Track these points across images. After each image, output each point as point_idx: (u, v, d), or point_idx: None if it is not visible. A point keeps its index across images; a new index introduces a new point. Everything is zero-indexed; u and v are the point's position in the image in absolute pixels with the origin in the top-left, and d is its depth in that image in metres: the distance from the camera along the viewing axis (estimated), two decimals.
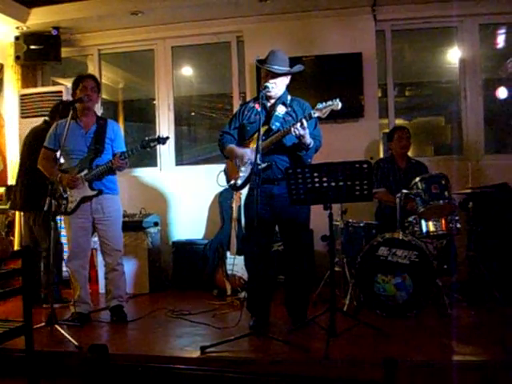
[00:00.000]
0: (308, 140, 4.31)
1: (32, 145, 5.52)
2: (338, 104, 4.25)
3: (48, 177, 4.88)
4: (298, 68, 4.58)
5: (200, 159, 7.83)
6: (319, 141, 4.53)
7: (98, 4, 6.73)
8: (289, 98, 4.63)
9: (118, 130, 5.18)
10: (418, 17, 6.74)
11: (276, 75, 4.48)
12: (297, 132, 4.22)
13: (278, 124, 4.49)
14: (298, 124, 4.21)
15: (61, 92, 6.84)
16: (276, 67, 4.45)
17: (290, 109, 4.57)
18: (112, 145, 5.01)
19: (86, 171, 4.87)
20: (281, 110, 4.55)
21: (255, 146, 4.31)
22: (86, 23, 7.07)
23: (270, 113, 4.57)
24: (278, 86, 4.52)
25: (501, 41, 7.00)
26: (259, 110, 4.43)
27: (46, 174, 4.96)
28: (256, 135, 4.37)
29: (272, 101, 4.60)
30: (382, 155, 6.80)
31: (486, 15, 6.66)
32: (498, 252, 5.67)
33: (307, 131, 4.27)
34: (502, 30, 6.92)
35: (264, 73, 4.55)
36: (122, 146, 5.10)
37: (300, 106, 4.60)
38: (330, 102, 4.26)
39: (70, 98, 5.22)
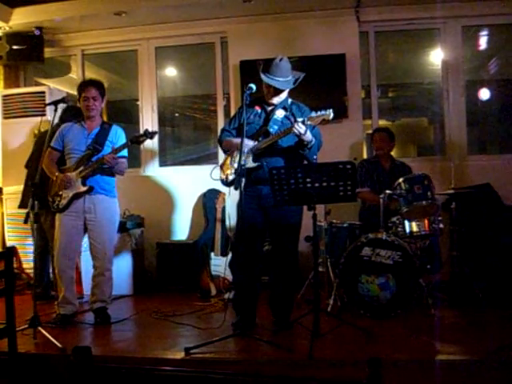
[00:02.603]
0: (309, 137, 4.32)
1: (38, 147, 5.55)
2: (330, 114, 4.21)
3: (49, 175, 4.98)
4: (302, 75, 4.58)
5: (184, 160, 7.81)
6: (320, 140, 4.56)
7: (82, 4, 6.69)
8: (289, 101, 4.66)
9: (121, 134, 5.16)
10: (401, 18, 6.77)
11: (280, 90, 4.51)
12: (298, 129, 4.22)
13: (275, 127, 4.49)
14: (300, 123, 4.22)
15: (44, 92, 6.78)
16: (281, 79, 4.44)
17: (288, 112, 4.58)
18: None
19: (81, 168, 4.88)
20: (280, 113, 4.56)
21: (256, 142, 4.44)
22: (69, 23, 7.04)
23: (268, 115, 4.59)
24: (282, 97, 4.56)
25: (483, 42, 7.06)
26: (259, 111, 4.55)
27: (47, 173, 5.02)
28: (255, 134, 4.48)
29: (273, 105, 4.63)
30: (365, 156, 6.83)
31: (468, 17, 6.71)
32: (481, 252, 5.71)
33: (308, 129, 4.29)
34: (485, 32, 6.98)
35: (266, 83, 4.54)
36: (124, 151, 5.04)
37: (299, 110, 4.60)
38: (323, 112, 4.23)
39: (54, 99, 5.20)
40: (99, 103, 5.06)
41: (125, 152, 5.02)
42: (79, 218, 4.95)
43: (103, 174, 4.98)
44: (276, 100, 4.56)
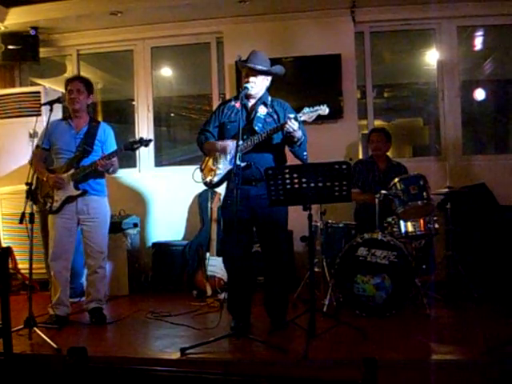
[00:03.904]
0: (299, 134, 4.32)
1: None
2: (325, 110, 4.24)
3: (38, 176, 4.92)
4: (279, 69, 4.58)
5: (179, 160, 7.81)
6: (306, 137, 4.52)
7: (77, 4, 6.67)
8: (269, 98, 4.63)
9: (109, 132, 5.15)
10: (397, 19, 6.78)
11: (256, 74, 4.48)
12: (291, 126, 4.20)
13: (260, 125, 4.48)
14: (293, 119, 4.21)
15: (39, 92, 6.76)
16: (257, 66, 4.45)
17: (271, 109, 4.57)
18: (102, 147, 4.99)
19: (72, 170, 4.85)
20: (262, 110, 4.55)
21: (240, 141, 4.32)
22: (65, 23, 7.03)
23: (250, 113, 4.57)
24: (257, 86, 4.51)
25: (478, 43, 7.07)
26: (240, 108, 4.44)
27: (37, 173, 4.95)
28: (239, 133, 4.39)
29: (252, 101, 4.59)
30: (361, 156, 6.84)
31: (463, 17, 6.72)
32: (476, 252, 5.73)
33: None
34: (480, 33, 6.99)
35: (245, 72, 4.55)
36: (113, 148, 5.04)
37: (281, 106, 4.60)
38: (317, 107, 4.25)
39: (50, 99, 5.18)
40: (84, 97, 5.01)
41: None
42: (72, 220, 4.95)
43: (95, 177, 4.97)
44: (254, 91, 4.51)
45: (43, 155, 5.06)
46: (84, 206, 4.93)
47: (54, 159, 5.03)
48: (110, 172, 5.02)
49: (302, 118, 4.26)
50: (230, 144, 4.43)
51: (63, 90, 5.15)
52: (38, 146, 5.04)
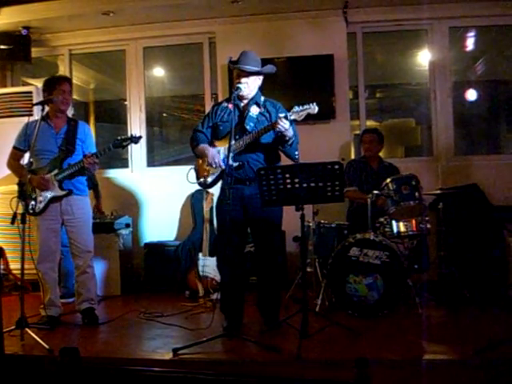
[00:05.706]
0: (291, 133, 4.33)
1: None
2: (314, 108, 4.25)
3: (17, 177, 4.87)
4: (270, 68, 4.58)
5: (172, 160, 7.81)
6: (297, 137, 4.54)
7: (69, 4, 6.65)
8: (262, 98, 4.64)
9: (88, 131, 5.16)
10: (389, 19, 6.80)
11: (247, 75, 4.48)
12: (282, 125, 4.20)
13: (252, 124, 4.49)
14: (283, 118, 4.21)
15: (31, 92, 6.75)
16: (247, 67, 4.46)
17: (263, 109, 4.57)
18: (82, 146, 4.99)
19: (56, 171, 4.83)
20: (254, 110, 4.55)
21: (232, 141, 4.33)
22: (57, 23, 7.00)
23: (243, 113, 4.57)
24: (249, 86, 4.52)
25: (470, 44, 7.09)
26: (232, 109, 4.44)
27: (15, 175, 4.96)
28: (231, 133, 4.39)
29: (245, 101, 4.60)
30: (353, 156, 6.85)
31: (455, 18, 6.75)
32: (468, 252, 5.75)
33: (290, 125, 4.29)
34: (472, 33, 7.01)
35: (236, 73, 4.55)
36: (93, 147, 5.09)
37: (273, 106, 4.61)
38: (306, 106, 4.26)
39: (41, 99, 5.16)
40: (71, 98, 5.08)
41: (94, 148, 5.06)
42: (57, 221, 4.94)
43: (80, 175, 4.96)
44: (246, 92, 4.52)
45: (21, 157, 5.06)
46: (68, 206, 4.92)
47: (34, 160, 4.95)
48: (92, 171, 5.01)
49: (292, 117, 4.27)
50: (221, 152, 4.46)
51: None
52: (14, 148, 5.04)
